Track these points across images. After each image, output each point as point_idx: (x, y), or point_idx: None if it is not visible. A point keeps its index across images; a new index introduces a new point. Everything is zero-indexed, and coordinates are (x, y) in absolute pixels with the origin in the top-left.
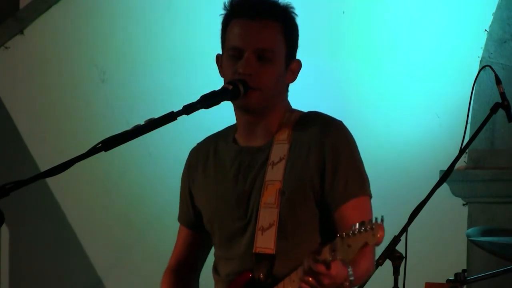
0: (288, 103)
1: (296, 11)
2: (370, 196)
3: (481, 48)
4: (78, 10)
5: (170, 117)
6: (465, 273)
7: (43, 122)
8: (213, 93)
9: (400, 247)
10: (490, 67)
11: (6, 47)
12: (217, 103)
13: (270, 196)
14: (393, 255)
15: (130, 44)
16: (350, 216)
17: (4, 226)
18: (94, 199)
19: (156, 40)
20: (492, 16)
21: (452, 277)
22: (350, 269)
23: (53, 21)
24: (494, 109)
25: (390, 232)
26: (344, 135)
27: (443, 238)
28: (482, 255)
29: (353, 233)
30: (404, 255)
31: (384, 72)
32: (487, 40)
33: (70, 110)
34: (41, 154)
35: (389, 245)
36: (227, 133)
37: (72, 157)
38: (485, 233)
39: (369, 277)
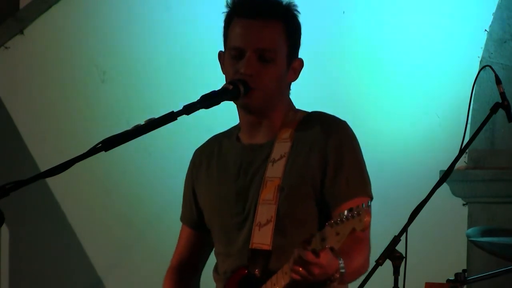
0: (291, 101)
1: None
2: (371, 198)
3: (481, 48)
4: (78, 10)
5: (170, 117)
6: (465, 273)
7: (43, 122)
8: (213, 93)
9: (400, 247)
10: (490, 67)
11: (6, 47)
12: (217, 103)
13: (269, 193)
14: (393, 255)
15: (130, 44)
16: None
17: (4, 226)
18: (94, 199)
19: (156, 40)
20: (492, 16)
21: (452, 277)
22: (341, 261)
23: (53, 21)
24: (494, 109)
25: (390, 232)
26: (348, 135)
27: (443, 238)
28: (482, 255)
29: (341, 221)
30: (404, 255)
31: (384, 72)
32: (487, 40)
33: (70, 110)
34: (41, 154)
35: (389, 245)
36: (231, 132)
37: (72, 157)
38: (485, 233)
39: (361, 274)
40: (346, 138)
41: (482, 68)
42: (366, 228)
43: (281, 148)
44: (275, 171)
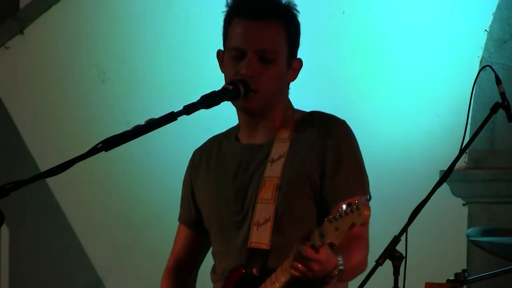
0: (289, 101)
1: None
2: (370, 196)
3: (481, 48)
4: (78, 10)
5: (170, 117)
6: (465, 273)
7: (43, 122)
8: (213, 93)
9: (400, 247)
10: (490, 67)
11: (6, 47)
12: (217, 103)
13: (267, 192)
14: (393, 255)
15: (130, 44)
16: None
17: (4, 226)
18: (94, 199)
19: (156, 40)
20: (492, 16)
21: (452, 277)
22: (340, 258)
23: (53, 21)
24: (494, 109)
25: (390, 232)
26: (347, 134)
27: (443, 238)
28: (482, 255)
29: (340, 216)
30: (404, 255)
31: (384, 72)
32: (487, 40)
33: (70, 110)
34: (41, 154)
35: (389, 245)
36: (230, 132)
37: (72, 157)
38: (485, 233)
39: (360, 272)
40: (345, 137)
41: (482, 68)
42: (366, 222)
43: (280, 148)
44: (273, 170)
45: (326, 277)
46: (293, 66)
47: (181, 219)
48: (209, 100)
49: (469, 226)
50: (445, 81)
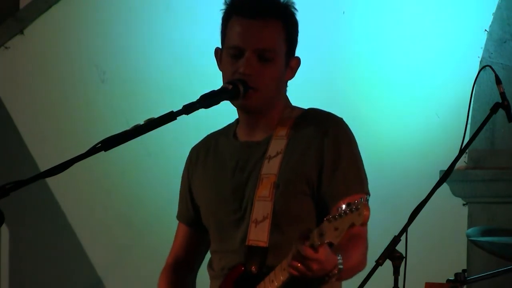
0: (287, 98)
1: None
2: (368, 195)
3: (481, 48)
4: (78, 10)
5: (170, 117)
6: (465, 273)
7: (43, 122)
8: (212, 92)
9: (400, 247)
10: (490, 67)
11: (6, 47)
12: (217, 102)
13: (264, 189)
14: (393, 255)
15: (130, 44)
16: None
17: (4, 226)
18: (94, 199)
19: (156, 40)
20: (492, 16)
21: (452, 277)
22: (340, 257)
23: (53, 21)
24: (494, 109)
25: (390, 232)
26: (345, 132)
27: (443, 238)
28: (482, 255)
29: (340, 215)
30: (404, 255)
31: (384, 72)
32: (487, 40)
33: (70, 110)
34: (41, 154)
35: (389, 245)
36: (228, 129)
37: (72, 157)
38: (485, 233)
39: (358, 271)
40: (342, 135)
41: (482, 68)
42: (365, 222)
43: (277, 145)
44: (271, 168)
45: (325, 276)
46: (291, 65)
47: (180, 216)
48: (209, 100)
49: (469, 226)
50: (445, 81)
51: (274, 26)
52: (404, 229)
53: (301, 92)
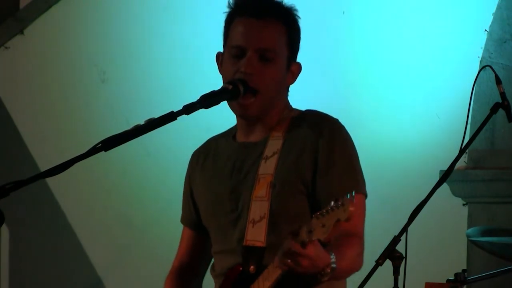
0: (288, 102)
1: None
2: (365, 195)
3: (481, 48)
4: (78, 10)
5: (170, 117)
6: (465, 273)
7: (43, 122)
8: (213, 93)
9: (400, 247)
10: (490, 67)
11: (6, 47)
12: (217, 103)
13: (261, 189)
14: (393, 255)
15: (130, 44)
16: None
17: (4, 226)
18: (94, 199)
19: (156, 40)
20: (492, 16)
21: (452, 277)
22: (333, 256)
23: (53, 21)
24: (494, 109)
25: (390, 232)
26: (340, 132)
27: (443, 238)
28: (482, 255)
29: (327, 212)
30: (404, 255)
31: (384, 72)
32: (487, 40)
33: (70, 110)
34: (41, 154)
35: (389, 245)
36: (229, 132)
37: (72, 157)
38: (485, 233)
39: (354, 270)
40: (337, 135)
41: (482, 68)
42: (350, 218)
43: (274, 145)
44: (267, 167)
45: (317, 274)
46: (292, 70)
47: (183, 220)
48: (209, 100)
49: (469, 226)
50: (445, 81)
51: (276, 27)
52: (404, 229)
53: (300, 92)
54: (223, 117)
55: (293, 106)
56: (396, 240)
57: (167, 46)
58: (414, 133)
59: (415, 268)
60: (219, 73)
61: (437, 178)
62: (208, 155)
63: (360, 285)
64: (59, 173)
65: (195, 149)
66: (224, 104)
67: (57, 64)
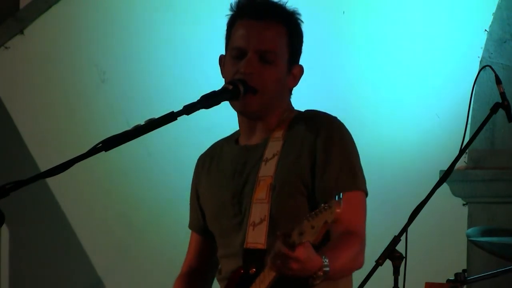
0: (290, 104)
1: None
2: (365, 192)
3: (481, 48)
4: (78, 10)
5: (170, 117)
6: (465, 273)
7: (43, 122)
8: (213, 93)
9: (400, 247)
10: (490, 67)
11: (6, 47)
12: (217, 103)
13: (261, 192)
14: (393, 255)
15: (130, 44)
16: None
17: (4, 226)
18: (94, 199)
19: (156, 40)
20: (492, 16)
21: (452, 277)
22: (325, 260)
23: (53, 21)
24: (494, 109)
25: (390, 232)
26: (337, 129)
27: (443, 238)
28: (482, 255)
29: (316, 214)
30: (404, 255)
31: (384, 72)
32: (487, 40)
33: (70, 110)
34: (41, 154)
35: (389, 245)
36: (233, 136)
37: (72, 157)
38: (485, 233)
39: (353, 269)
40: (335, 133)
41: (482, 68)
42: (336, 220)
43: (274, 147)
44: (267, 170)
45: (309, 277)
46: (294, 72)
47: (191, 225)
48: (209, 100)
49: (469, 226)
50: (445, 81)
51: (277, 30)
52: (404, 229)
53: (300, 92)
54: (223, 118)
55: (294, 107)
56: (396, 240)
57: (167, 46)
58: (414, 133)
59: (415, 268)
60: (220, 74)
61: (437, 178)
62: (213, 159)
63: (360, 285)
64: (59, 173)
65: (194, 150)
66: (224, 105)
67: (57, 64)
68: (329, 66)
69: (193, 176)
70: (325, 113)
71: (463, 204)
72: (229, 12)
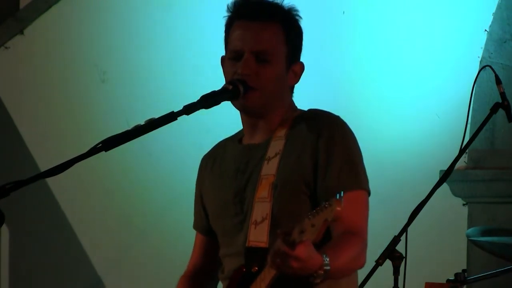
0: (293, 103)
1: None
2: (367, 191)
3: (481, 48)
4: (78, 10)
5: (170, 117)
6: (465, 273)
7: (43, 122)
8: (213, 93)
9: (400, 247)
10: (490, 67)
11: (6, 47)
12: (217, 103)
13: (264, 190)
14: (393, 255)
15: (130, 44)
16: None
17: (4, 226)
18: (95, 199)
19: (156, 40)
20: (492, 16)
21: (452, 277)
22: (326, 259)
23: (53, 21)
24: (494, 109)
25: (390, 232)
26: (340, 128)
27: (443, 238)
28: (482, 255)
29: (317, 212)
30: (404, 255)
31: (384, 72)
32: (487, 40)
33: (70, 110)
34: (41, 154)
35: (389, 245)
36: (237, 135)
37: (72, 157)
38: (485, 233)
39: (355, 268)
40: (337, 133)
41: (482, 68)
42: (337, 218)
43: (276, 146)
44: (269, 168)
45: (310, 276)
46: (294, 70)
47: (195, 226)
48: (209, 100)
49: (469, 226)
50: (445, 81)
51: (274, 29)
52: (404, 229)
53: (300, 92)
54: (223, 118)
55: (297, 107)
56: (396, 240)
57: (167, 46)
58: (414, 133)
59: (415, 268)
60: (220, 71)
61: (437, 178)
62: (216, 159)
63: (360, 285)
64: (59, 173)
65: (194, 150)
66: (224, 105)
67: (57, 64)
68: (329, 66)
69: (197, 177)
70: (327, 112)
71: (463, 204)
72: (226, 13)
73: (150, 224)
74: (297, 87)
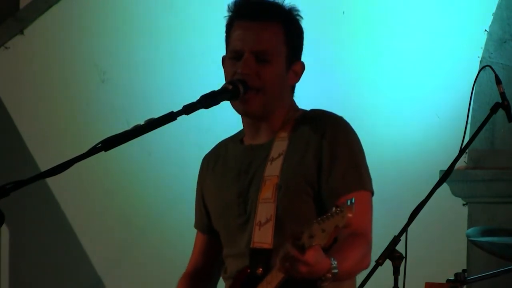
0: (294, 102)
1: None
2: (371, 192)
3: (481, 48)
4: (78, 10)
5: (170, 117)
6: (465, 273)
7: (43, 122)
8: (213, 93)
9: (400, 247)
10: (490, 67)
11: (6, 47)
12: (217, 103)
13: (267, 191)
14: (393, 255)
15: (130, 44)
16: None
17: (4, 226)
18: (94, 199)
19: (156, 40)
20: (492, 16)
21: (452, 277)
22: (334, 262)
23: (53, 21)
24: (494, 109)
25: (390, 232)
26: (343, 129)
27: (443, 238)
28: (482, 255)
29: (327, 217)
30: (404, 255)
31: (383, 72)
32: (487, 40)
33: (70, 110)
34: (41, 154)
35: (389, 245)
36: (238, 135)
37: (72, 157)
38: (485, 233)
39: (361, 270)
40: (341, 133)
41: (482, 68)
42: (348, 225)
43: (280, 146)
44: (273, 169)
45: (318, 280)
46: (294, 69)
47: (196, 225)
48: (209, 100)
49: (469, 226)
50: (445, 81)
51: (274, 29)
52: (404, 229)
53: (300, 92)
54: (223, 118)
55: (298, 107)
56: (396, 240)
57: (167, 46)
58: (414, 132)
59: (415, 268)
60: (220, 72)
61: (437, 178)
62: (218, 159)
63: (360, 285)
64: (59, 173)
65: (194, 150)
66: (224, 105)
67: (57, 64)
68: (329, 66)
69: (198, 176)
70: (330, 112)
71: (463, 204)
72: (227, 13)
73: (150, 224)
74: (297, 86)
